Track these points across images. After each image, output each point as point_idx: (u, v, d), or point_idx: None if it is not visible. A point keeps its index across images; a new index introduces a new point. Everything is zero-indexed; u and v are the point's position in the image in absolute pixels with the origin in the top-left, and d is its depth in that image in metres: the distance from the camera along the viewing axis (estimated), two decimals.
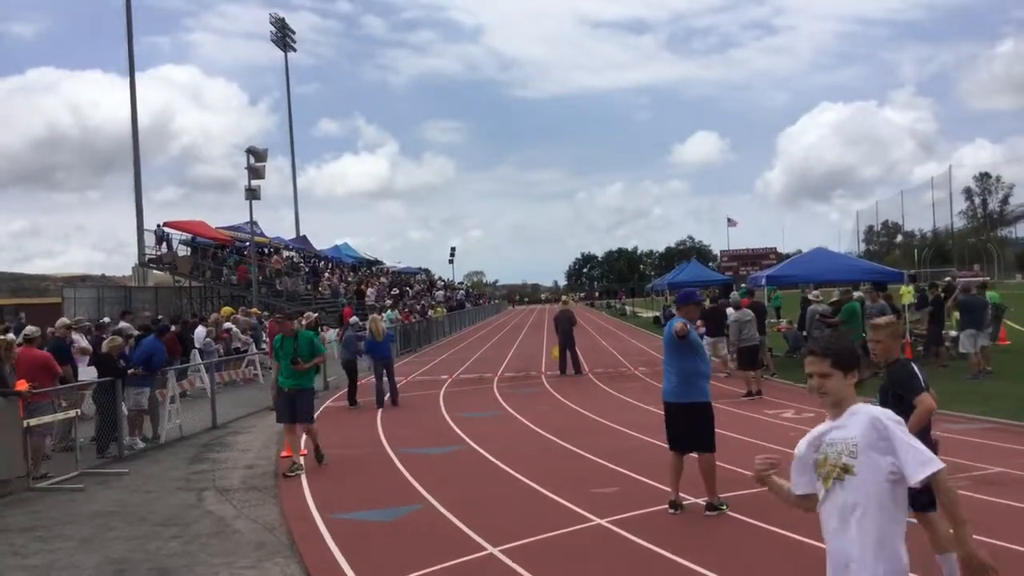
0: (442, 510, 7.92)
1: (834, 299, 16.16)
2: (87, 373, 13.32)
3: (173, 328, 17.40)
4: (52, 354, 12.36)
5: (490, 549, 6.58)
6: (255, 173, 29.11)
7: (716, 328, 17.48)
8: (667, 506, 7.48)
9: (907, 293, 22.28)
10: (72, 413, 10.90)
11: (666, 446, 7.72)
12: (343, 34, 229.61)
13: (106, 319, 21.88)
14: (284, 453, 11.18)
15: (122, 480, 10.23)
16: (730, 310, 16.14)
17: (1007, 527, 6.40)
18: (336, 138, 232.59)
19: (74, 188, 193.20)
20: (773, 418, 12.62)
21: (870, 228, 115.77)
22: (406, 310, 38.80)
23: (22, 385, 9.65)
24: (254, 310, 27.94)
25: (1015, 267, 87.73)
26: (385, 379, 16.28)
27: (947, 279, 23.95)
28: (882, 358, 5.25)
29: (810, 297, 19.65)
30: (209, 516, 8.29)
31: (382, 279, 53.97)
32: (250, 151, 29.13)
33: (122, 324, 18.01)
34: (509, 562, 6.26)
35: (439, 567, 6.18)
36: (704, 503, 7.39)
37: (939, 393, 14.19)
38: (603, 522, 7.23)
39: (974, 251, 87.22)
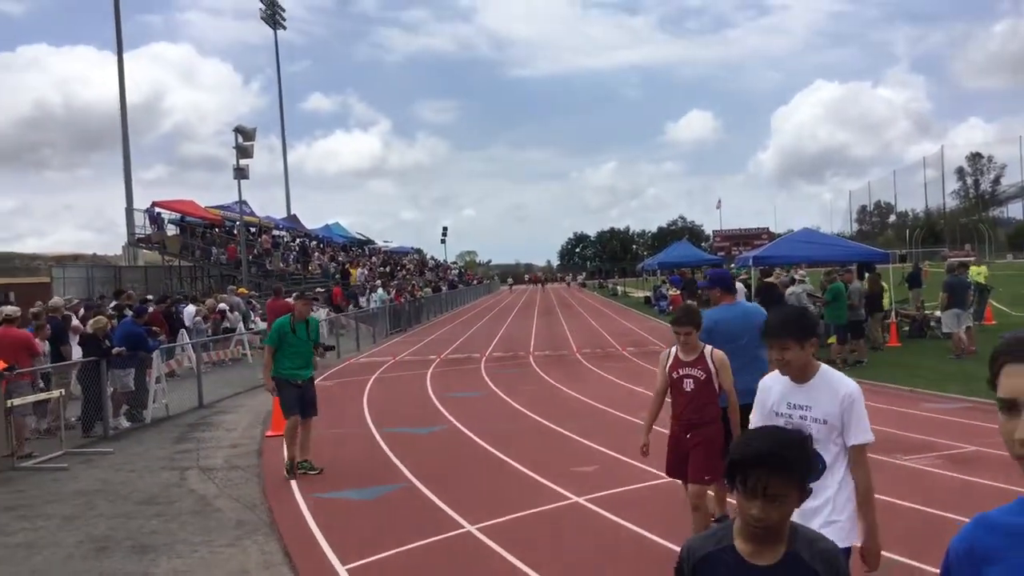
0: (423, 489, 7.98)
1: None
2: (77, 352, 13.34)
3: (151, 310, 17.30)
4: (56, 336, 12.44)
5: (467, 527, 6.66)
6: (243, 152, 28.94)
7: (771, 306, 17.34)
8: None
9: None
10: (55, 393, 10.92)
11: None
12: (335, 12, 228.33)
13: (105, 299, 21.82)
14: (270, 432, 11.23)
15: (106, 459, 10.26)
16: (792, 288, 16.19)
17: (973, 503, 6.47)
18: (328, 117, 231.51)
19: (64, 166, 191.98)
20: None
21: (863, 208, 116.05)
22: (394, 290, 38.74)
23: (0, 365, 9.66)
24: (242, 290, 27.92)
25: (1006, 247, 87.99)
26: None
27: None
28: None
29: (796, 278, 19.75)
30: (191, 495, 8.33)
31: (373, 259, 53.89)
32: (238, 130, 28.95)
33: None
34: (485, 539, 6.34)
35: (415, 545, 6.25)
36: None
37: (924, 373, 14.28)
38: (581, 500, 7.31)
39: (966, 231, 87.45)
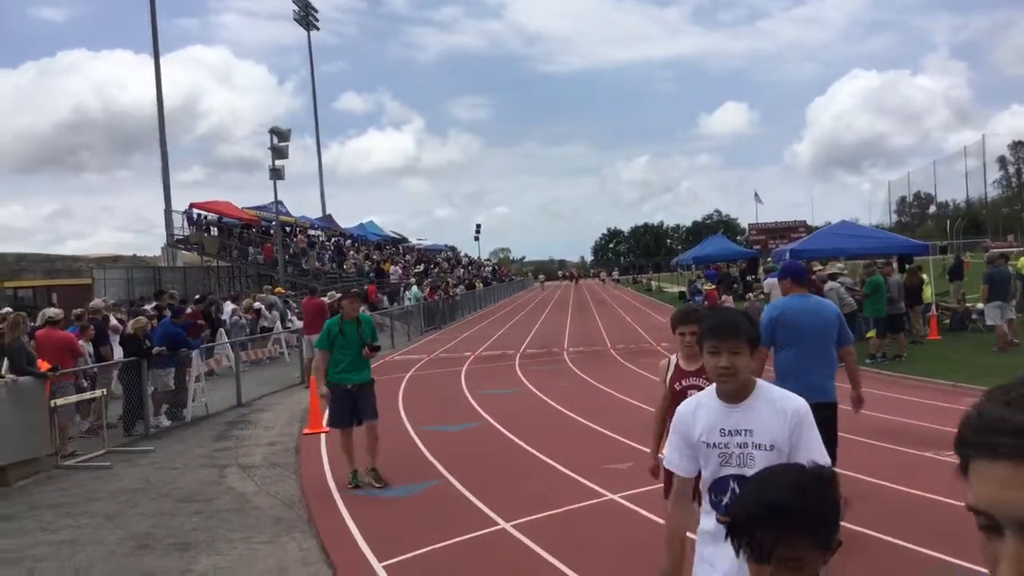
0: (458, 486, 8.02)
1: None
2: (118, 352, 13.59)
3: (190, 310, 17.55)
4: (96, 336, 12.70)
5: (502, 524, 6.68)
6: (279, 153, 29.24)
7: None
8: None
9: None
10: (98, 393, 11.13)
11: None
12: (367, 12, 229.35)
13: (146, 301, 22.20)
14: (307, 430, 11.35)
15: (148, 458, 10.45)
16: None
17: None
18: (361, 117, 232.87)
19: (103, 169, 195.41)
20: None
21: (902, 199, 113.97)
22: (428, 288, 38.92)
23: (43, 365, 9.87)
24: (279, 289, 28.23)
25: None
26: None
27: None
28: None
29: (834, 270, 19.50)
30: (230, 492, 8.45)
31: (407, 256, 54.18)
32: (273, 131, 29.25)
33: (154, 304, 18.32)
34: (519, 536, 6.35)
35: (451, 542, 6.29)
36: None
37: (965, 366, 14.05)
38: (616, 497, 7.29)
39: (1008, 221, 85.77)
